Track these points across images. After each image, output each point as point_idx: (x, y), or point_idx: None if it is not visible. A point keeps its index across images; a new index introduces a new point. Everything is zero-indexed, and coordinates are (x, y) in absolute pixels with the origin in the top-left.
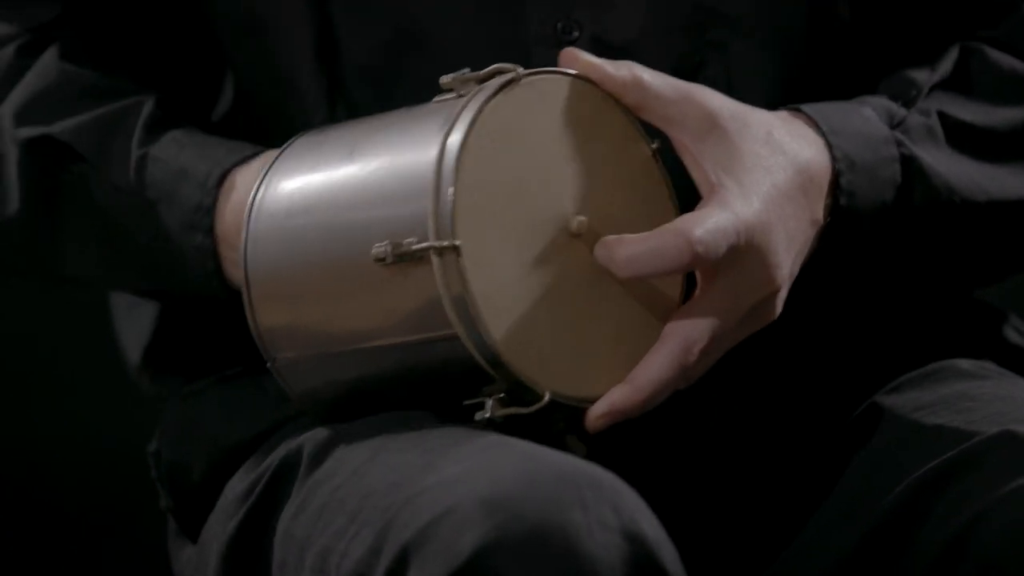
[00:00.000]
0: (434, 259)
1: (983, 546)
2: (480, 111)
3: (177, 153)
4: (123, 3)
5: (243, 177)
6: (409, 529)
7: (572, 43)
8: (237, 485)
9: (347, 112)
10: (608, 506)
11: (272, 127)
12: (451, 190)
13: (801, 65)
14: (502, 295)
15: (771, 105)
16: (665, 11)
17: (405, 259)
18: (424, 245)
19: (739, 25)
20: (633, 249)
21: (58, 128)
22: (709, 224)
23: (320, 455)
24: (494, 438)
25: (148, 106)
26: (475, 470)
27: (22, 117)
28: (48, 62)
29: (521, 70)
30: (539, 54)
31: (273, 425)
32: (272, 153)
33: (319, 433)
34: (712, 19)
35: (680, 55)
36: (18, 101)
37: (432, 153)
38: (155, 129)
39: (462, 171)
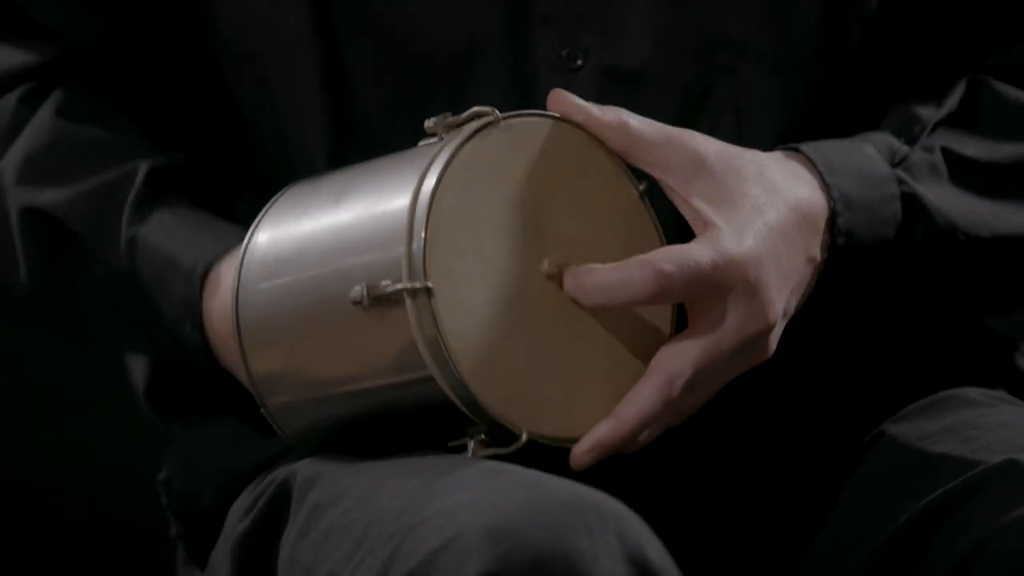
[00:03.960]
0: (407, 301)
1: (985, 574)
2: (454, 155)
3: (164, 239)
4: (131, 43)
5: (228, 267)
6: (414, 558)
7: (578, 70)
8: (238, 510)
9: (355, 144)
10: (613, 533)
11: (282, 157)
12: (423, 233)
13: (810, 91)
14: (477, 336)
15: (779, 131)
16: (674, 37)
17: (381, 302)
18: (397, 287)
19: (748, 51)
20: (600, 278)
21: (50, 200)
22: (680, 258)
23: (318, 478)
24: (498, 465)
25: (139, 177)
26: (479, 498)
27: (18, 179)
28: (44, 118)
29: (499, 113)
30: (546, 81)
31: (281, 452)
32: None
33: (319, 458)
34: (721, 45)
35: (688, 81)
36: (16, 159)
37: (407, 198)
38: (144, 207)
39: (435, 214)
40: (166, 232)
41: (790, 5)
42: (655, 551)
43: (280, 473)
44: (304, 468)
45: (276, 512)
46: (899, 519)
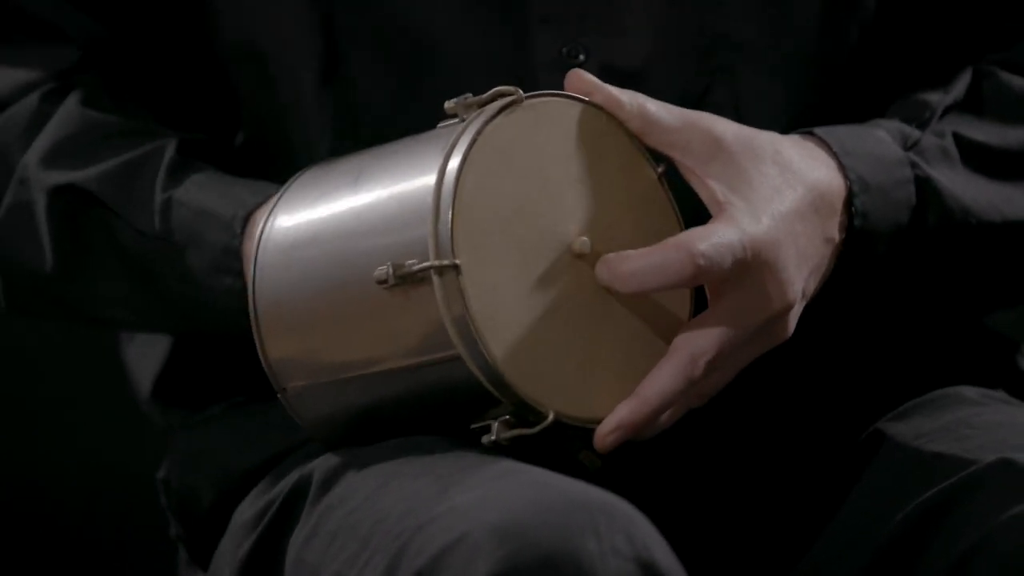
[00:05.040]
0: (434, 279)
1: (982, 574)
2: (479, 133)
3: (200, 196)
4: (138, 43)
5: (264, 216)
6: (422, 557)
7: (578, 68)
8: (246, 511)
9: (354, 142)
10: (621, 533)
11: (282, 155)
12: (450, 211)
13: (810, 91)
14: (504, 315)
15: (779, 130)
16: (674, 36)
17: (406, 280)
18: (424, 265)
19: (748, 51)
20: (635, 264)
21: (82, 176)
22: (713, 238)
23: (331, 481)
24: (507, 465)
25: (170, 149)
26: (487, 497)
27: (47, 164)
28: (71, 108)
29: (522, 93)
30: (546, 78)
31: (282, 451)
32: None
33: (330, 459)
34: (721, 44)
35: (688, 80)
36: (43, 148)
37: (432, 177)
38: (177, 173)
39: (461, 192)
40: (201, 190)
41: (789, 5)
42: (662, 552)
43: (292, 477)
44: (321, 470)
45: (286, 517)
46: (896, 519)
